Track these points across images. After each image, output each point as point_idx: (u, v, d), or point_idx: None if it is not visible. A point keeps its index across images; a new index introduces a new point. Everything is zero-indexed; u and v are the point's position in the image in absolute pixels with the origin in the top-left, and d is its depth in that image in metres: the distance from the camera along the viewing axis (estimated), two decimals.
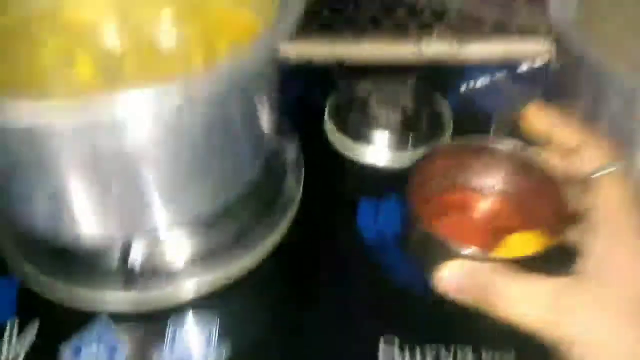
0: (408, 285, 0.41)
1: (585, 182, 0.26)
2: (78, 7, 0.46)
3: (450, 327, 0.37)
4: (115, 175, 0.32)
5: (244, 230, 0.45)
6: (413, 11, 0.70)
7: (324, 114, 0.57)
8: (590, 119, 0.38)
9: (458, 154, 0.34)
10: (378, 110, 0.55)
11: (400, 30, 0.71)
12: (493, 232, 0.32)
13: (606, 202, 0.25)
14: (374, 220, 0.47)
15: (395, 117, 0.55)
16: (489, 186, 0.34)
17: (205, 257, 0.43)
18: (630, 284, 0.23)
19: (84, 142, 0.29)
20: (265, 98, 0.39)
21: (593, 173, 0.26)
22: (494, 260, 0.26)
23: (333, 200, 0.49)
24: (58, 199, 0.33)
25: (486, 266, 0.25)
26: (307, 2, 0.34)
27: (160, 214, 0.37)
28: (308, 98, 0.60)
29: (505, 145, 0.33)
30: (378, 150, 0.54)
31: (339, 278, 0.44)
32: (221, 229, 0.45)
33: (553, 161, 0.30)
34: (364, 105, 0.57)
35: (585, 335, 0.23)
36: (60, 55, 0.40)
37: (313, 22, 0.71)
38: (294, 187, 0.49)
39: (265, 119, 0.41)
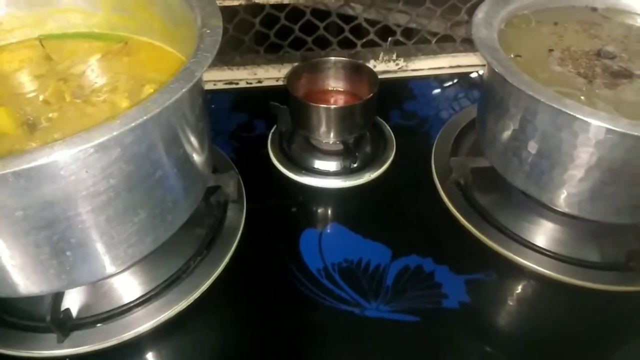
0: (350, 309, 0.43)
1: None
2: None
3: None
4: (46, 229, 0.32)
5: (187, 265, 0.45)
6: (359, 30, 0.71)
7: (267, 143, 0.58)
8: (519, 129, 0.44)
9: (315, 67, 0.59)
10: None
11: (347, 49, 0.72)
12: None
13: None
14: (317, 250, 0.47)
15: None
16: (334, 84, 0.60)
17: (147, 296, 0.43)
18: None
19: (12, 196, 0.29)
20: (194, 136, 0.38)
21: None
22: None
23: (276, 232, 0.49)
24: None
25: None
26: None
27: (96, 263, 0.36)
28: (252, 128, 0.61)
29: (342, 60, 0.59)
30: (321, 177, 0.54)
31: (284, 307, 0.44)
32: (162, 266, 0.45)
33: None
34: (305, 136, 0.57)
35: None
36: None
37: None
38: (235, 221, 0.49)
39: (198, 157, 0.40)
